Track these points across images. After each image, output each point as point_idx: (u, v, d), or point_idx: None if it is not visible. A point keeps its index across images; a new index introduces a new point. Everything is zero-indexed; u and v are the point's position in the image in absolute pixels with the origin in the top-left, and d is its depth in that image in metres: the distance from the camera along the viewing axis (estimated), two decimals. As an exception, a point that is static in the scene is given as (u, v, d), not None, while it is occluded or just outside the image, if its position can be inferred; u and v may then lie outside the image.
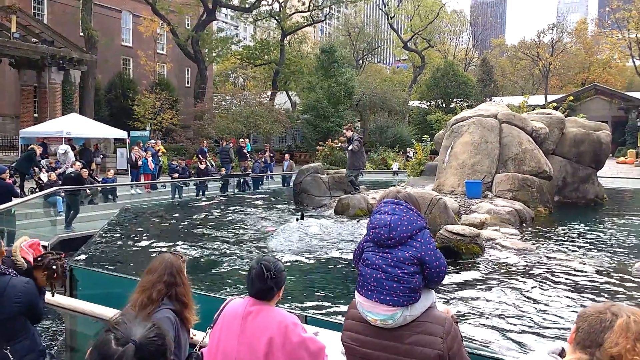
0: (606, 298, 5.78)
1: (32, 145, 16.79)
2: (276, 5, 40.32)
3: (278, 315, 2.41)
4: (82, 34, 29.16)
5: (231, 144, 22.78)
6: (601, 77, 52.19)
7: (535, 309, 5.37)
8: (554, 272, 6.82)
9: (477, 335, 4.61)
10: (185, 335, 2.72)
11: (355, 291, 2.29)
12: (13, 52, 22.95)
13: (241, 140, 24.64)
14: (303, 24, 42.51)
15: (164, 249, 7.67)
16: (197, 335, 2.90)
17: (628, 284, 6.39)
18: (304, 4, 41.01)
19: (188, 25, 37.39)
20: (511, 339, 4.56)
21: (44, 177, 14.70)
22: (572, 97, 29.86)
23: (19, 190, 13.12)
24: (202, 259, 7.70)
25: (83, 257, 7.41)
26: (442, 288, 6.01)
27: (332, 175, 14.28)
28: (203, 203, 15.34)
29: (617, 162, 33.37)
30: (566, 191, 14.14)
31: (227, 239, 9.24)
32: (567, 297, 5.79)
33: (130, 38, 36.99)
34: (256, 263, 2.48)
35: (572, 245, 8.71)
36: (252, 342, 2.35)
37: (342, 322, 2.38)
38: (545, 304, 5.52)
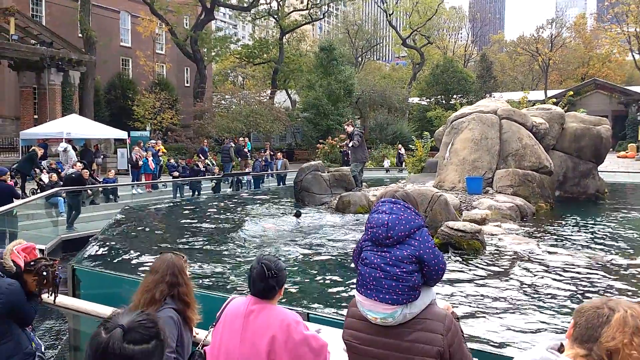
0: (608, 292, 5.79)
1: (33, 147, 16.79)
2: (274, 4, 40.32)
3: (280, 314, 2.42)
4: (80, 35, 29.16)
5: (232, 144, 22.77)
6: (601, 71, 52.11)
7: (537, 304, 5.38)
8: (556, 267, 6.83)
9: (478, 331, 4.62)
10: (188, 334, 2.74)
11: (355, 290, 2.30)
12: (12, 54, 22.95)
13: (241, 139, 24.64)
14: (301, 22, 42.46)
15: (165, 249, 7.67)
16: (200, 334, 2.91)
17: (630, 279, 6.40)
18: (302, 2, 40.97)
19: (186, 25, 37.38)
20: (512, 335, 4.57)
21: (45, 178, 14.71)
22: (571, 92, 29.85)
23: (20, 192, 13.13)
24: (203, 259, 7.71)
25: (85, 257, 7.42)
26: (443, 285, 6.02)
27: (332, 173, 14.28)
28: (211, 203, 15.35)
29: (618, 157, 33.36)
30: (567, 186, 14.14)
31: (227, 237, 9.25)
32: (569, 292, 5.79)
33: (129, 38, 36.98)
34: (257, 262, 2.49)
35: (574, 240, 8.72)
36: (255, 340, 2.36)
37: (344, 320, 2.39)
38: (547, 299, 5.53)
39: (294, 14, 42.96)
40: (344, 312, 2.48)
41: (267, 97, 36.96)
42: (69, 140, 19.34)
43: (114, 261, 7.46)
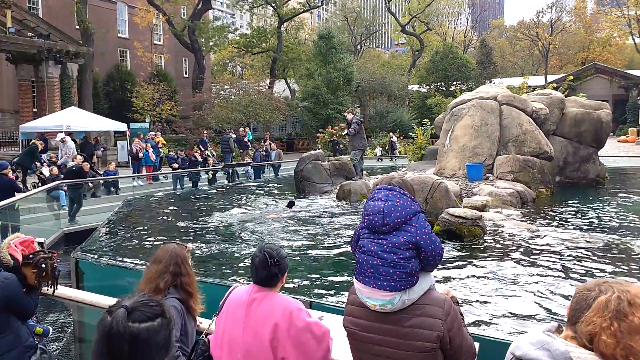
0: (609, 276, 5.82)
1: (33, 140, 16.75)
2: (272, -8, 39.97)
3: (282, 301, 2.44)
4: (77, 26, 28.99)
5: (232, 134, 22.75)
6: (601, 55, 51.79)
7: (538, 289, 5.41)
8: (557, 251, 6.86)
9: (478, 315, 4.66)
10: (192, 323, 2.77)
11: (354, 277, 2.32)
12: (9, 47, 22.85)
13: (241, 129, 24.58)
14: (300, 10, 42.13)
15: (167, 239, 7.72)
16: (204, 323, 2.94)
17: (630, 262, 6.43)
18: (300, -11, 40.67)
19: (184, 15, 37.11)
20: (514, 319, 4.60)
21: (45, 171, 14.73)
22: (572, 77, 29.68)
23: (21, 186, 13.16)
24: (205, 248, 7.74)
25: (87, 249, 7.46)
26: (444, 270, 6.06)
27: (333, 162, 14.29)
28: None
29: (618, 141, 33.29)
30: (567, 171, 14.13)
31: (228, 227, 9.29)
32: (569, 276, 5.83)
33: (126, 29, 36.76)
34: (259, 250, 2.51)
35: (574, 225, 8.74)
36: (258, 328, 2.38)
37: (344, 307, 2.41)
38: (548, 284, 5.56)
39: (292, 2, 42.62)
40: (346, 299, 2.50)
41: (266, 87, 36.81)
42: (68, 133, 19.34)
43: (117, 253, 7.50)
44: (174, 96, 33.16)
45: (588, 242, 7.37)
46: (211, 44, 37.38)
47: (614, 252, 6.89)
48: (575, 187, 13.57)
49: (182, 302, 2.69)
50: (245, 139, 22.98)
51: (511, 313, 4.75)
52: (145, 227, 9.85)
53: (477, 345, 2.31)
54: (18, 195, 10.57)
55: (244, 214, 10.85)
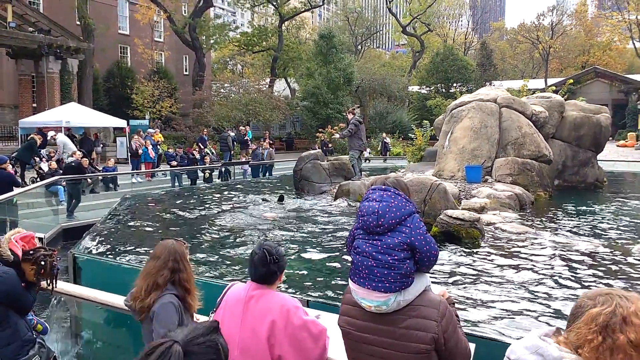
0: (605, 280, 5.84)
1: (31, 135, 16.70)
2: (273, -9, 39.97)
3: (280, 299, 2.45)
4: (78, 22, 28.97)
5: (231, 132, 22.72)
6: (601, 59, 51.90)
7: (535, 292, 5.43)
8: (554, 255, 6.88)
9: (476, 318, 4.67)
10: (189, 319, 2.77)
11: (349, 278, 2.32)
12: (10, 41, 22.83)
13: (242, 127, 24.57)
14: (301, 9, 42.13)
15: (165, 236, 7.72)
16: (201, 320, 2.95)
17: (627, 266, 6.44)
18: (301, -12, 40.67)
19: (185, 12, 37.10)
20: (510, 323, 4.61)
21: (44, 166, 14.71)
22: (572, 81, 29.74)
23: (20, 180, 13.14)
24: (202, 246, 7.75)
25: (85, 245, 7.46)
26: (441, 273, 6.07)
27: (332, 161, 14.30)
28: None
29: (618, 146, 33.36)
30: (566, 175, 14.16)
31: (226, 226, 9.29)
32: (567, 279, 5.84)
33: (127, 26, 36.74)
34: (258, 248, 2.51)
35: (572, 229, 8.76)
36: (255, 325, 2.39)
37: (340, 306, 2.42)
38: (545, 287, 5.58)
39: (293, 1, 42.64)
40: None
41: (267, 86, 36.81)
42: (67, 129, 19.34)
43: (115, 249, 7.50)
44: (174, 93, 33.15)
45: (586, 246, 7.39)
46: (212, 41, 37.38)
47: (612, 256, 6.90)
48: (574, 191, 13.60)
49: (179, 298, 2.70)
50: (246, 138, 22.95)
51: (508, 315, 4.76)
52: (143, 224, 9.85)
53: (472, 346, 2.32)
54: (16, 190, 10.56)
55: (240, 212, 10.86)
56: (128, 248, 7.60)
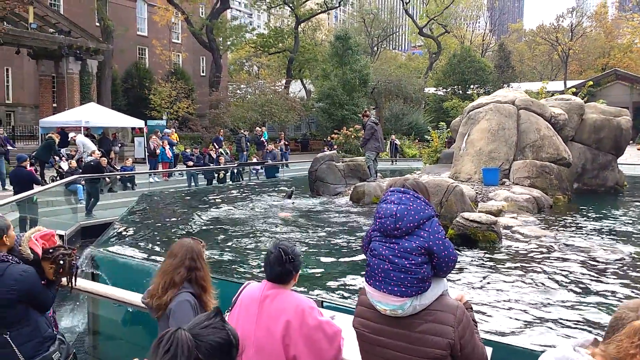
0: (627, 287, 5.72)
1: (49, 134, 16.80)
2: (290, -7, 40.10)
3: (295, 299, 2.45)
4: (98, 24, 29.41)
5: (245, 133, 22.82)
6: (622, 62, 50.99)
7: (553, 297, 5.34)
8: (573, 259, 6.76)
9: (492, 323, 4.61)
10: (205, 318, 2.79)
11: (364, 281, 2.29)
12: (31, 42, 23.25)
13: (257, 128, 24.69)
14: (317, 10, 42.21)
15: (182, 235, 7.79)
16: (216, 319, 2.95)
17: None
18: (318, -10, 40.74)
19: (202, 14, 37.43)
20: (527, 327, 4.54)
21: (64, 165, 14.95)
22: (591, 83, 29.20)
23: (40, 179, 13.36)
24: (219, 245, 7.79)
25: (103, 243, 7.55)
26: (458, 276, 6.01)
27: (347, 163, 14.27)
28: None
29: (638, 149, 32.70)
30: (585, 178, 13.93)
31: (242, 225, 9.33)
32: (586, 285, 5.74)
33: (146, 27, 37.20)
34: (274, 247, 2.51)
35: (591, 233, 8.61)
36: (270, 325, 2.39)
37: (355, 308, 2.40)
38: (563, 293, 5.48)
39: (310, 3, 42.71)
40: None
41: (282, 87, 36.93)
42: (86, 128, 19.64)
43: (132, 247, 7.58)
44: (190, 94, 33.44)
45: (606, 251, 7.25)
46: (228, 43, 37.64)
47: (633, 262, 6.76)
48: (594, 195, 13.37)
49: (195, 296, 2.72)
50: (262, 139, 23.05)
51: (525, 320, 4.69)
52: (160, 223, 9.94)
53: (489, 350, 2.28)
54: (37, 188, 10.73)
55: (254, 212, 10.89)
56: (145, 246, 7.67)
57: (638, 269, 6.39)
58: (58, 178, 14.20)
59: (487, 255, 7.00)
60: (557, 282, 5.82)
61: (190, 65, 40.01)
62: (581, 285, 5.69)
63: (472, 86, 40.75)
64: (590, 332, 4.39)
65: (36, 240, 3.24)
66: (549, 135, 12.59)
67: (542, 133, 12.55)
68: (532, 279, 5.92)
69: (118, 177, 15.39)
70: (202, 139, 27.96)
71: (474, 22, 64.26)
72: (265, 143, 23.05)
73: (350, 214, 10.54)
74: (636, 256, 7.03)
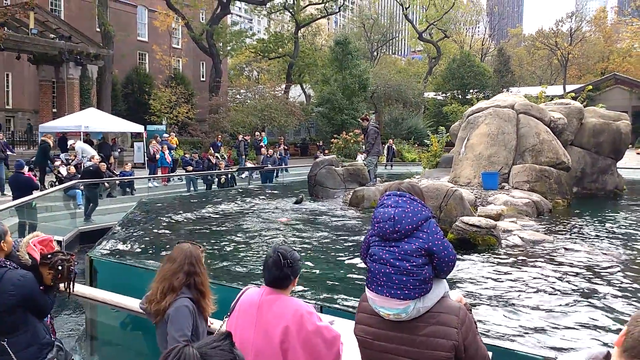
0: (628, 292, 5.70)
1: (42, 138, 16.19)
2: (290, -2, 40.25)
3: (293, 304, 2.44)
4: (98, 29, 29.48)
5: (245, 138, 22.82)
6: (621, 66, 51.09)
7: (551, 301, 5.33)
8: (572, 264, 6.75)
9: (491, 326, 4.59)
10: (203, 323, 2.78)
11: (365, 286, 2.28)
12: (31, 47, 23.29)
13: (257, 133, 24.71)
14: (317, 16, 42.34)
15: (181, 240, 7.75)
16: (215, 324, 2.95)
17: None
18: (317, -5, 40.87)
19: (203, 19, 37.53)
20: (525, 331, 4.53)
21: (63, 170, 14.95)
22: (591, 87, 29.38)
23: (39, 184, 13.36)
24: (217, 250, 7.78)
25: (102, 248, 7.53)
26: (458, 280, 5.99)
27: (346, 167, 14.27)
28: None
29: (637, 153, 32.72)
30: (585, 182, 13.94)
31: (241, 230, 9.32)
32: (586, 290, 5.72)
33: (146, 33, 37.29)
34: (273, 251, 2.51)
35: (591, 237, 8.59)
36: (268, 330, 2.38)
37: (355, 315, 2.38)
38: (561, 297, 5.47)
39: (310, 8, 42.86)
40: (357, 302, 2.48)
41: (282, 92, 37.00)
42: (86, 134, 19.65)
43: (131, 252, 7.56)
44: (190, 99, 33.48)
45: (606, 255, 7.24)
46: (229, 48, 37.72)
47: (633, 266, 6.75)
48: (593, 199, 13.37)
49: (194, 301, 2.70)
50: (261, 144, 23.07)
51: (523, 324, 4.67)
52: (159, 228, 9.92)
53: (489, 354, 2.28)
54: (35, 193, 10.73)
55: (254, 216, 10.88)
56: (144, 251, 7.66)
57: (638, 273, 6.38)
58: (57, 183, 14.19)
59: (486, 260, 6.99)
60: (556, 286, 5.80)
61: (190, 70, 40.08)
62: (580, 290, 5.68)
63: (471, 91, 40.85)
64: (589, 333, 4.38)
65: (34, 245, 3.23)
66: (549, 140, 12.60)
67: (541, 137, 12.56)
68: (530, 283, 5.90)
69: (117, 182, 15.39)
70: (202, 143, 27.97)
71: (474, 27, 64.46)
72: (264, 147, 23.09)
73: (349, 218, 10.53)
74: (636, 260, 7.01)
